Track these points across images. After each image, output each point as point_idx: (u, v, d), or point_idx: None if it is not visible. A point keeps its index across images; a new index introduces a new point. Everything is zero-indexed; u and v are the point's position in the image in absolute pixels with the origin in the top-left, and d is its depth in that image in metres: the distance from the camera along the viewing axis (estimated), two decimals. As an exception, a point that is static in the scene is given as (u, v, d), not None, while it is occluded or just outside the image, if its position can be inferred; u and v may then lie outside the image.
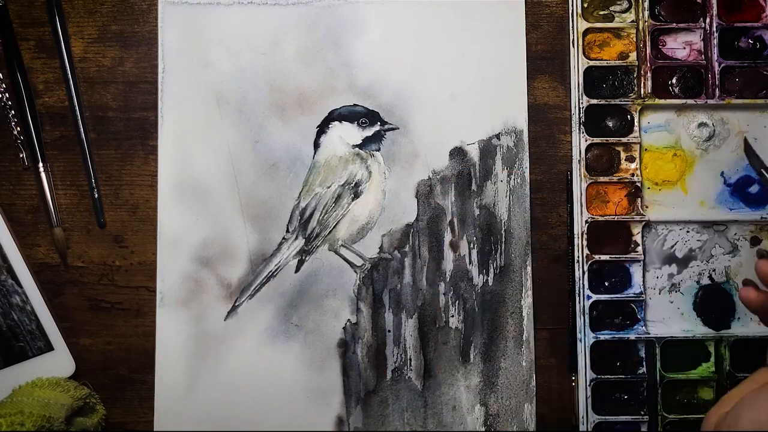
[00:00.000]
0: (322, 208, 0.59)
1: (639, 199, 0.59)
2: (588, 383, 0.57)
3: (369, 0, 0.59)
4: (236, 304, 0.58)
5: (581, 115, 0.58)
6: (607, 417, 0.57)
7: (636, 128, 0.59)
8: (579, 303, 0.58)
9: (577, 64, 0.59)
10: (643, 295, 0.58)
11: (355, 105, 0.59)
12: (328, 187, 0.59)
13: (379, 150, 0.59)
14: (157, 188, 0.58)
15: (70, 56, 0.58)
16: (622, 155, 0.59)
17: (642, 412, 0.58)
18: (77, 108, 0.58)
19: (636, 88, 0.59)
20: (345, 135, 0.59)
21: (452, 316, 0.58)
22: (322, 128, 0.59)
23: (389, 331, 0.58)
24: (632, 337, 0.58)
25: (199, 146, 0.58)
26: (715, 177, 0.59)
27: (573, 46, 0.59)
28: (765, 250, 0.58)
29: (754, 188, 0.59)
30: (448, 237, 0.59)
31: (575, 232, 0.58)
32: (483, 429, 0.58)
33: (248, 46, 0.59)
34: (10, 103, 0.58)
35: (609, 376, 0.58)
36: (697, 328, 0.59)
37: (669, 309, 0.59)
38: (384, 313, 0.58)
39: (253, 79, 0.59)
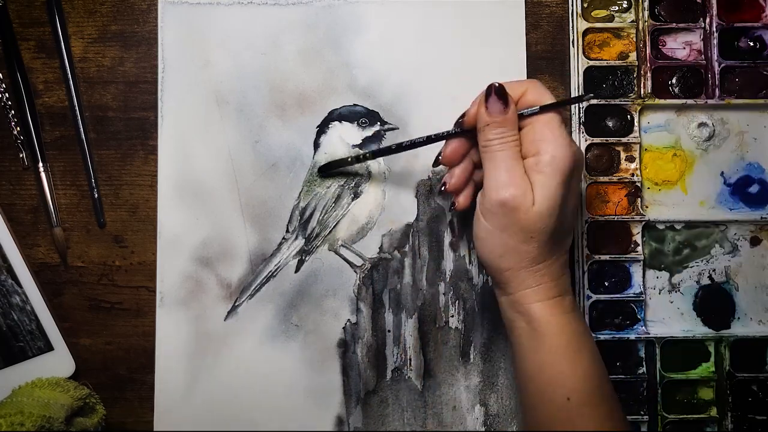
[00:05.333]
0: (322, 208, 0.58)
1: (639, 199, 0.59)
2: (588, 383, 0.57)
3: (369, 0, 0.59)
4: (236, 304, 0.58)
5: (581, 115, 0.58)
6: (607, 417, 0.57)
7: (636, 128, 0.59)
8: (579, 303, 0.58)
9: (577, 64, 0.59)
10: (643, 295, 0.58)
11: (355, 105, 0.59)
12: (328, 187, 0.59)
13: (379, 150, 0.59)
14: (157, 188, 0.58)
15: (70, 56, 0.58)
16: (622, 155, 0.59)
17: (642, 412, 0.58)
18: (77, 108, 0.58)
19: (636, 88, 0.59)
20: (345, 135, 0.59)
21: (452, 316, 0.58)
22: (322, 128, 0.59)
23: (389, 331, 0.58)
24: (632, 337, 0.58)
25: (199, 146, 0.58)
26: (715, 177, 0.59)
27: (573, 46, 0.59)
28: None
29: (754, 188, 0.59)
30: (448, 237, 0.59)
31: (575, 232, 0.58)
32: (483, 429, 0.58)
33: (248, 46, 0.59)
34: (10, 103, 0.58)
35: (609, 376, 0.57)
36: (696, 328, 0.59)
37: (669, 309, 0.59)
38: (384, 313, 0.58)
39: (253, 79, 0.59)
